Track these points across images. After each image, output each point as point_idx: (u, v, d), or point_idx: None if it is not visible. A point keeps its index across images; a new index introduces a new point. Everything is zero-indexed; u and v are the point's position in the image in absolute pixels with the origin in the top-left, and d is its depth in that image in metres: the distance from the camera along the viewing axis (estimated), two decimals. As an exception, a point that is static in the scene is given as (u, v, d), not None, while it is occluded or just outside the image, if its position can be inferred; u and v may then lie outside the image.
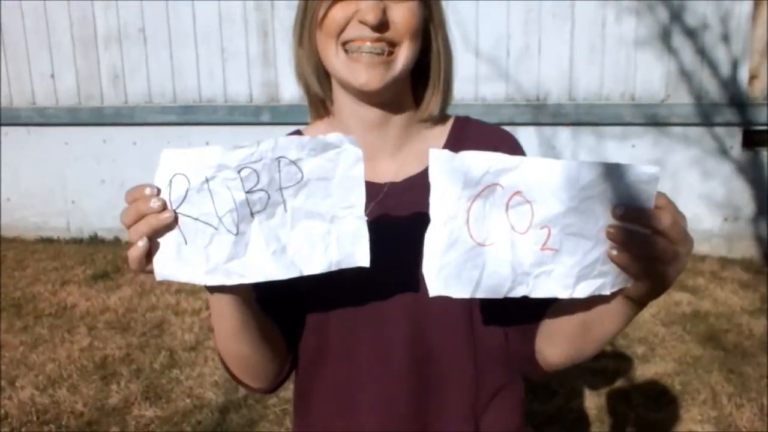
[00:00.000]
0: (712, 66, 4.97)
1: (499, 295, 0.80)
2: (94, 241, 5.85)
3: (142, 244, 0.80)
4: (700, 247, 5.19)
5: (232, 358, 1.02)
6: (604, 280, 0.81)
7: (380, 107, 1.04)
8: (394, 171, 1.07)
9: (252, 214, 0.81)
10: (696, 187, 5.13)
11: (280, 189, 0.81)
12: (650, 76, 5.05)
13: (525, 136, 5.14)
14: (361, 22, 0.96)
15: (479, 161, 0.77)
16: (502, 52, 5.11)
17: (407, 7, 0.98)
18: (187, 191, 0.79)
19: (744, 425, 3.03)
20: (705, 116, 5.00)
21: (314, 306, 1.04)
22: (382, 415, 1.04)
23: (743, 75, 4.97)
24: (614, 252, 0.77)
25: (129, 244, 0.82)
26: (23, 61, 5.73)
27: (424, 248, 0.78)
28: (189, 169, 0.79)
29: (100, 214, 5.77)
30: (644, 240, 0.76)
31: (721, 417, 3.10)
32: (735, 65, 4.95)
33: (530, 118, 5.12)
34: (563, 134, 5.15)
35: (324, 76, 1.05)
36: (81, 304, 4.48)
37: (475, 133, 1.11)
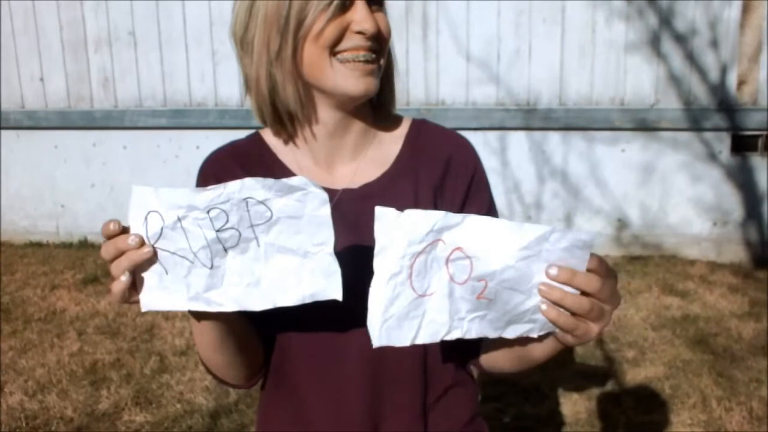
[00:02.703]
0: (701, 71, 5.01)
1: (436, 340, 0.86)
2: (84, 245, 5.83)
3: (125, 278, 0.84)
4: (689, 251, 5.22)
5: (213, 365, 1.08)
6: (532, 326, 0.87)
7: (347, 112, 1.08)
8: (350, 177, 1.10)
9: (225, 250, 0.85)
10: (685, 191, 5.17)
11: (252, 226, 0.84)
12: (640, 80, 5.08)
13: (515, 140, 5.17)
14: (359, 32, 1.00)
15: (423, 220, 0.81)
16: (492, 56, 5.13)
17: (384, 18, 1.05)
18: (162, 229, 0.83)
19: (733, 428, 3.05)
20: (694, 121, 5.04)
21: (273, 311, 1.07)
22: (334, 415, 1.08)
23: (732, 80, 5.00)
24: (544, 307, 0.84)
25: (111, 279, 0.86)
26: (12, 63, 5.71)
27: (368, 301, 0.83)
28: (161, 207, 0.82)
29: (89, 218, 5.74)
30: (573, 299, 0.83)
31: (710, 420, 3.12)
32: (724, 70, 4.99)
33: (521, 123, 5.13)
34: (553, 138, 5.17)
35: (299, 89, 1.06)
36: (71, 308, 4.46)
37: (431, 138, 1.15)
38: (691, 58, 5.00)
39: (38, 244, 5.85)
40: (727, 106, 5.02)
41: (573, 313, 0.84)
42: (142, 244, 0.83)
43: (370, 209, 0.98)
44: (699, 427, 3.08)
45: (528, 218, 5.30)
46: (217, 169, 1.11)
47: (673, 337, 3.94)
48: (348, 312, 0.92)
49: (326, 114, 1.07)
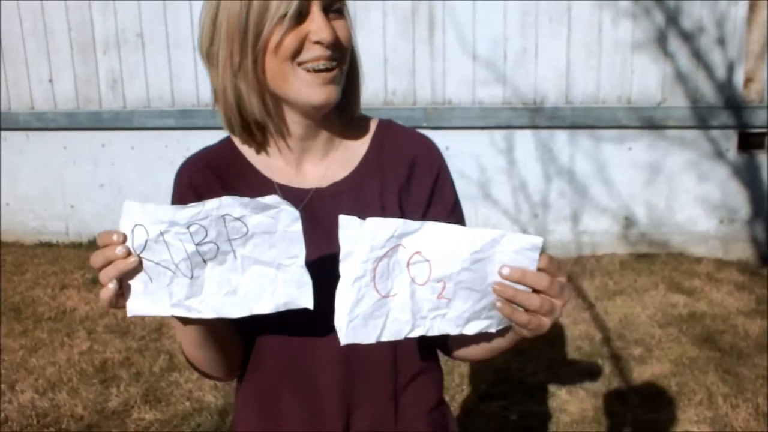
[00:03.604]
0: (708, 69, 5.01)
1: (401, 337, 0.93)
2: (93, 245, 5.81)
3: (112, 286, 0.90)
4: (696, 249, 5.22)
5: (196, 360, 1.14)
6: (490, 321, 0.95)
7: (314, 119, 1.12)
8: (320, 177, 1.15)
9: (204, 261, 0.91)
10: (692, 189, 5.17)
11: (229, 240, 0.90)
12: (646, 79, 5.08)
13: (522, 139, 5.18)
14: (317, 42, 1.02)
15: (384, 227, 0.88)
16: (499, 56, 5.14)
17: (344, 24, 1.07)
18: (146, 241, 0.90)
19: (739, 425, 3.06)
20: (701, 119, 5.04)
21: None
22: (308, 402, 1.14)
23: (739, 78, 5.00)
24: (499, 304, 0.91)
25: (100, 286, 0.92)
26: (21, 65, 5.74)
27: (335, 303, 0.90)
28: (146, 221, 0.89)
29: (98, 218, 5.78)
30: (524, 297, 0.90)
31: (717, 417, 3.13)
32: (731, 68, 4.99)
33: (527, 121, 5.14)
34: (560, 137, 5.17)
35: (265, 99, 1.10)
36: (80, 307, 4.50)
37: (397, 139, 1.19)
38: (697, 56, 5.00)
39: (48, 245, 5.89)
40: (734, 104, 5.01)
41: (526, 309, 0.91)
42: (129, 254, 0.90)
43: (338, 207, 1.07)
44: (705, 424, 3.09)
45: (535, 216, 5.31)
46: (192, 176, 1.17)
47: (679, 334, 3.94)
48: (319, 305, 0.96)
49: (294, 121, 1.11)
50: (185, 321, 0.99)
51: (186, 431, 3.12)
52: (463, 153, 5.20)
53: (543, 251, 0.91)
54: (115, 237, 0.90)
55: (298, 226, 0.90)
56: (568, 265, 5.08)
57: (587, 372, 3.57)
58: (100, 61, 5.62)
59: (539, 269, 0.90)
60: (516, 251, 0.89)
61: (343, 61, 1.08)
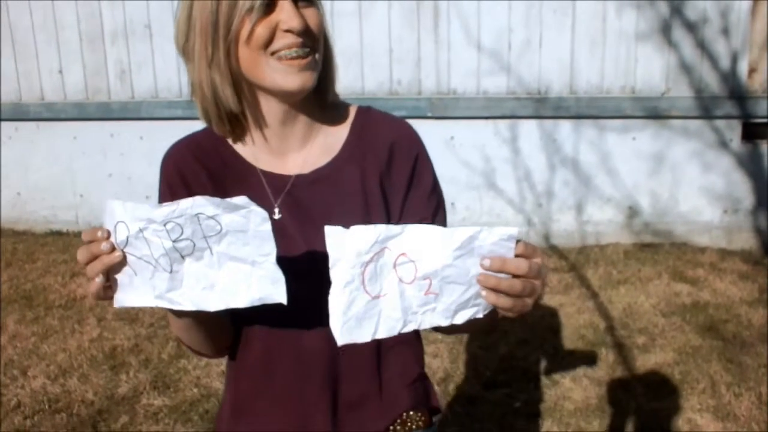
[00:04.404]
0: (712, 59, 5.01)
1: (395, 333, 0.97)
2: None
3: (99, 280, 0.95)
4: (699, 239, 5.23)
5: (185, 341, 1.19)
6: (477, 308, 0.99)
7: (292, 105, 1.15)
8: (301, 164, 1.19)
9: (182, 257, 0.95)
10: (696, 179, 5.18)
11: (204, 237, 0.94)
12: (650, 69, 5.08)
13: (527, 129, 5.19)
14: (287, 30, 1.06)
15: (368, 234, 0.93)
16: (503, 46, 5.15)
17: (314, 12, 1.10)
18: (127, 237, 0.94)
19: (742, 413, 3.08)
20: (705, 109, 5.04)
21: None
22: (297, 379, 1.19)
23: (743, 68, 5.00)
24: (484, 293, 0.96)
25: (88, 280, 0.96)
26: (32, 57, 5.79)
27: (329, 308, 0.94)
28: (127, 219, 0.93)
29: (108, 207, 5.82)
30: (507, 283, 0.95)
31: (720, 406, 3.14)
32: (735, 58, 4.99)
33: (532, 112, 5.16)
34: (564, 127, 5.19)
35: (240, 89, 1.14)
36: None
37: (376, 125, 1.22)
38: (702, 46, 5.00)
39: (58, 233, 5.95)
40: (738, 94, 5.02)
41: (509, 294, 0.95)
42: (113, 249, 0.94)
43: (320, 193, 1.13)
44: (708, 412, 3.10)
45: (539, 206, 5.34)
46: (177, 162, 1.20)
47: (683, 323, 3.95)
48: (304, 286, 1.01)
49: (272, 109, 1.15)
50: (170, 309, 1.04)
51: (194, 417, 3.17)
52: (467, 143, 5.23)
53: (524, 240, 0.96)
54: (99, 233, 0.94)
55: (267, 226, 0.93)
56: (572, 254, 5.10)
57: (591, 360, 3.58)
58: (109, 52, 5.66)
59: (517, 255, 0.95)
60: (494, 243, 0.94)
61: (316, 48, 1.10)
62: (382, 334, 0.97)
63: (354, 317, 0.95)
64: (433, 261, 0.94)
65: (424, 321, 0.98)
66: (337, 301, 0.94)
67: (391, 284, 0.95)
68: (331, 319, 0.95)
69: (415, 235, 0.94)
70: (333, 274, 0.93)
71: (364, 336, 0.96)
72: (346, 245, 0.93)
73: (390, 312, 0.96)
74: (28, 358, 3.73)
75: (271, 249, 0.94)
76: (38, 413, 3.21)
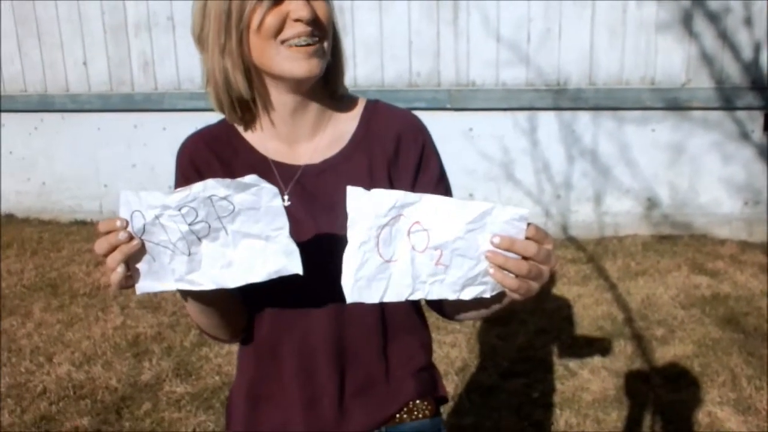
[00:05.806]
0: (734, 50, 4.96)
1: (402, 299, 1.00)
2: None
3: (121, 269, 0.97)
4: (720, 231, 5.20)
5: (202, 325, 1.22)
6: (484, 287, 1.02)
7: (303, 94, 1.19)
8: (310, 153, 1.23)
9: (199, 239, 0.98)
10: (716, 171, 5.14)
11: (219, 218, 0.97)
12: (671, 60, 5.05)
13: (545, 120, 5.19)
14: (297, 20, 1.10)
15: (387, 198, 0.96)
16: (522, 37, 5.14)
17: (323, 3, 1.14)
18: (144, 225, 0.97)
19: (763, 407, 3.06)
20: (726, 100, 5.00)
21: None
22: (304, 362, 1.22)
23: (765, 59, 4.95)
24: (491, 270, 0.99)
25: (108, 271, 0.99)
26: (57, 49, 5.87)
27: (342, 265, 0.97)
28: (142, 207, 0.96)
29: (131, 197, 5.89)
30: (514, 263, 0.98)
31: (740, 399, 3.13)
32: (757, 49, 4.94)
33: (550, 103, 5.15)
34: (583, 119, 5.18)
35: (251, 77, 1.18)
36: (114, 284, 4.61)
37: (383, 117, 1.26)
38: (723, 37, 4.96)
39: (83, 223, 6.03)
40: (759, 85, 4.97)
41: (516, 275, 0.98)
42: (131, 238, 0.97)
43: (329, 182, 1.18)
44: (728, 405, 3.09)
45: (557, 197, 5.34)
46: (191, 154, 1.25)
47: (702, 315, 3.93)
48: (313, 271, 1.04)
49: (282, 97, 1.19)
50: (187, 293, 1.07)
51: (216, 404, 3.21)
52: (486, 134, 5.24)
53: (535, 224, 0.99)
54: (118, 223, 0.96)
55: (278, 201, 0.96)
56: (590, 245, 5.10)
57: (609, 352, 3.58)
58: (132, 44, 5.72)
59: (527, 238, 0.97)
60: (506, 221, 0.96)
61: (324, 37, 1.14)
62: (390, 298, 1.00)
63: (365, 277, 0.98)
64: (445, 232, 0.97)
65: (432, 291, 1.01)
66: (351, 259, 0.97)
67: (404, 251, 0.98)
68: (343, 277, 0.98)
69: (431, 205, 0.97)
70: (350, 233, 0.96)
71: (372, 297, 0.99)
72: (365, 206, 0.96)
73: (400, 278, 0.99)
74: (53, 345, 3.80)
75: (283, 223, 0.97)
76: (63, 399, 3.27)
